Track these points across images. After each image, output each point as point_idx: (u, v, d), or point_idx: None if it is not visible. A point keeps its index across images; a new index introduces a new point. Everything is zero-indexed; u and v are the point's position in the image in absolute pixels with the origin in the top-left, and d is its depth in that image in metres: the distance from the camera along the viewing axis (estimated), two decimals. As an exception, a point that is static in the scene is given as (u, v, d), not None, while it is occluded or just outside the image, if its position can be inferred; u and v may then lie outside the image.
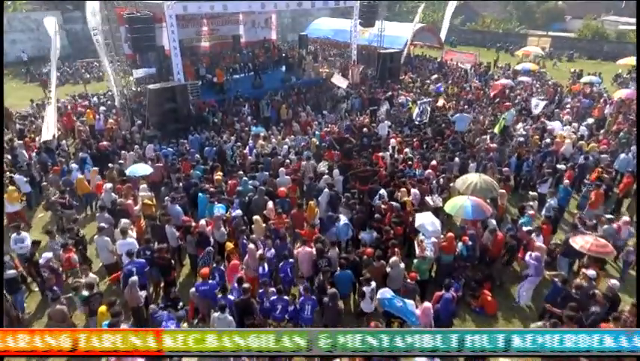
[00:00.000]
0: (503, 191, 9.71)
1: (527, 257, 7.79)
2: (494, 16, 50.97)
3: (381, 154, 12.02)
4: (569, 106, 17.36)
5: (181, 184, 10.32)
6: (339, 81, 17.35)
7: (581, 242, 7.28)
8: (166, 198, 9.39)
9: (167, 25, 14.85)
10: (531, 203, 9.51)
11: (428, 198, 9.80)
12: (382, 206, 9.05)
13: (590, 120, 15.74)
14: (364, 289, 6.92)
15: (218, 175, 10.51)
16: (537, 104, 16.18)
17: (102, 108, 16.96)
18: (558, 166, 11.24)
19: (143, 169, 10.61)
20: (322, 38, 28.74)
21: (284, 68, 22.28)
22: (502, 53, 39.67)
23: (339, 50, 28.44)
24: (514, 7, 57.40)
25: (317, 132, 13.88)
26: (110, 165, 11.67)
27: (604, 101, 18.10)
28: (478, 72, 25.07)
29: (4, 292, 7.02)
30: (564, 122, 15.36)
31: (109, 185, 10.01)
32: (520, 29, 46.94)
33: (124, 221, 8.48)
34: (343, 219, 8.64)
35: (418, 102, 15.17)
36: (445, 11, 30.09)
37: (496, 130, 13.34)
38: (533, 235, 8.19)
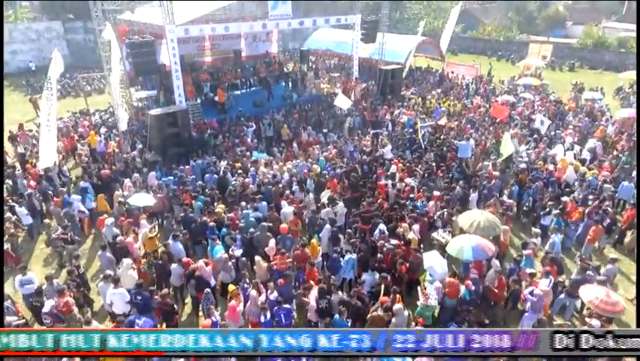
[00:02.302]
0: (506, 227, 9.68)
1: (526, 293, 7.80)
2: (495, 23, 50.91)
3: (383, 182, 11.99)
4: (571, 126, 17.27)
5: (182, 215, 10.28)
6: (342, 102, 17.39)
7: (590, 295, 7.16)
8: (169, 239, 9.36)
9: (169, 49, 14.82)
10: (534, 240, 9.46)
11: (436, 235, 9.77)
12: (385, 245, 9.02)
13: (592, 142, 15.64)
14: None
15: (219, 209, 10.47)
16: (542, 122, 16.09)
17: (103, 129, 16.92)
18: (562, 199, 11.17)
19: (144, 200, 10.59)
20: (323, 50, 28.70)
21: (284, 84, 22.27)
22: (504, 62, 39.76)
23: (340, 62, 28.44)
24: (516, 13, 57.42)
25: (320, 158, 13.83)
26: (115, 192, 11.66)
27: (606, 120, 18.06)
28: (478, 85, 25.05)
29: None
30: (566, 146, 15.30)
31: (110, 220, 9.98)
32: (522, 37, 46.87)
33: (126, 263, 8.47)
34: (349, 255, 8.64)
35: (420, 126, 15.15)
36: (445, 19, 30.10)
37: (501, 156, 13.21)
38: (542, 279, 8.15)
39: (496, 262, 8.45)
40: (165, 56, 17.41)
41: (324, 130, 17.57)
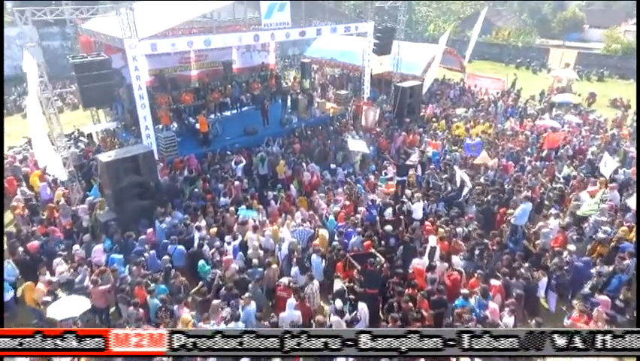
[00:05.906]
0: None
1: None
2: (509, 27, 47.47)
3: (418, 263, 8.56)
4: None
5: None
6: (358, 146, 14.05)
7: None
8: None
9: (131, 70, 11.40)
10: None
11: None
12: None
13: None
14: None
15: (185, 319, 7.06)
16: (606, 163, 12.60)
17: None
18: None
19: (73, 307, 7.14)
20: (327, 60, 25.28)
21: (281, 101, 18.86)
22: (524, 70, 36.35)
23: (345, 71, 25.01)
24: (529, 16, 54.09)
25: (330, 217, 10.38)
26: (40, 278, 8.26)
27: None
28: (506, 103, 21.61)
29: None
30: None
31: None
32: (541, 43, 43.45)
33: None
34: None
35: (456, 171, 11.77)
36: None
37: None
38: None
39: None
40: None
41: (332, 165, 14.17)
